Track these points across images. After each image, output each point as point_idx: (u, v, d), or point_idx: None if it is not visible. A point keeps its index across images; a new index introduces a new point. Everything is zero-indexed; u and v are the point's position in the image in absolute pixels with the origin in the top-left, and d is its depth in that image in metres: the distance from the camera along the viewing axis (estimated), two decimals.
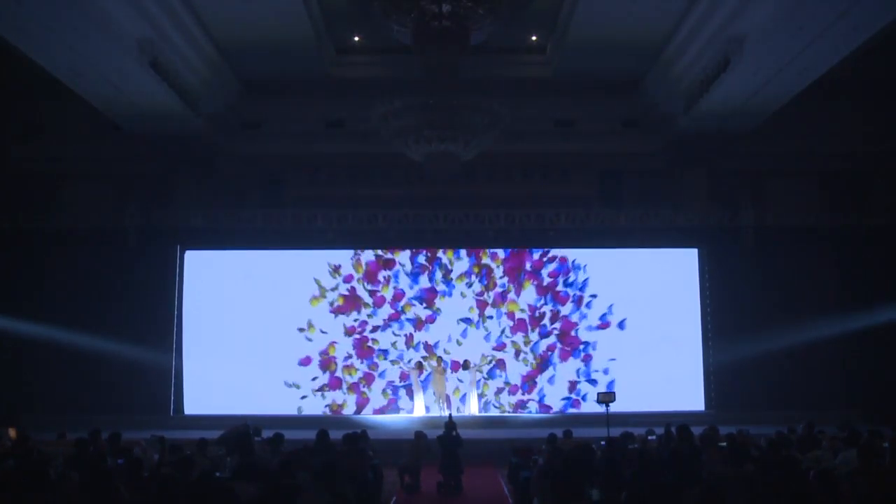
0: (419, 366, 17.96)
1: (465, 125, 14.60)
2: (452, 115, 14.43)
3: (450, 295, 18.95)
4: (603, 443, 11.19)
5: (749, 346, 17.40)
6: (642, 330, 18.49)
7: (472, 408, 17.78)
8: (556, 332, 18.80)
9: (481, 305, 18.86)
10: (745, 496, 6.58)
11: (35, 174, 19.83)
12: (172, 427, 16.29)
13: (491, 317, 18.83)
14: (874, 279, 18.04)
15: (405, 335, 18.75)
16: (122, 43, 13.96)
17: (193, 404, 18.28)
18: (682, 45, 16.09)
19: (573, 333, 18.80)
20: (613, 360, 18.60)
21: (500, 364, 18.62)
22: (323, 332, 18.69)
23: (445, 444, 12.28)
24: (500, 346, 18.71)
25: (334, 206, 18.88)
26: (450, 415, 14.03)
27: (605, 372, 18.60)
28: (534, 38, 17.85)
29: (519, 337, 18.79)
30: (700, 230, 18.72)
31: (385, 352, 18.69)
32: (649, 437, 11.99)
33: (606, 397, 14.04)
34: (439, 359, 18.05)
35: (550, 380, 18.65)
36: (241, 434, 11.20)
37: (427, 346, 18.65)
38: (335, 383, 18.61)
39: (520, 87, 18.47)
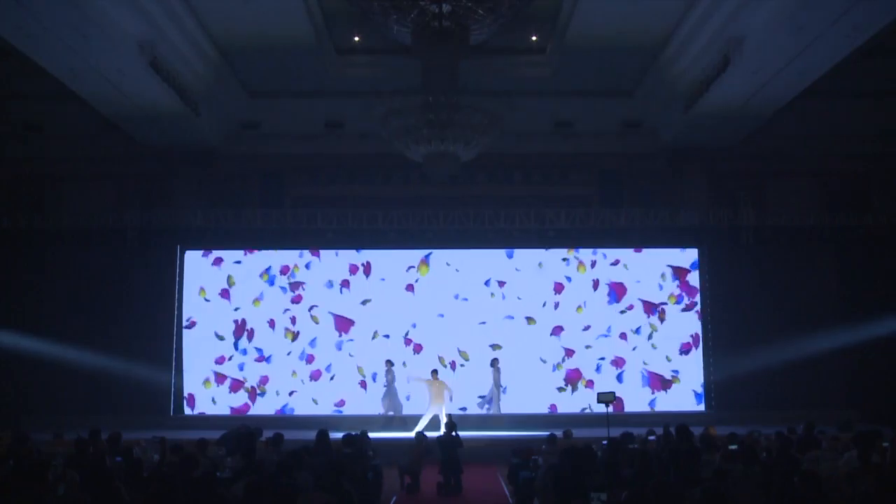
0: (389, 364, 17.20)
1: (464, 125, 14.58)
2: (452, 115, 14.41)
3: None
4: (605, 443, 11.19)
5: (749, 347, 17.38)
6: (641, 330, 18.56)
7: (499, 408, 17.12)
8: None
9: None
10: (749, 496, 6.57)
11: (35, 174, 19.83)
12: (172, 427, 16.29)
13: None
14: (874, 279, 18.03)
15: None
16: (122, 43, 13.96)
17: (193, 404, 18.25)
18: (682, 45, 16.07)
19: None
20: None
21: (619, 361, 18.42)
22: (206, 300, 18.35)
23: (445, 445, 12.29)
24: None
25: (334, 206, 18.86)
26: (449, 415, 14.02)
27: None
28: (534, 38, 17.81)
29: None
30: (700, 230, 18.70)
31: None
32: (649, 437, 11.98)
33: (606, 397, 14.03)
34: (434, 371, 16.68)
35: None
36: (243, 434, 11.22)
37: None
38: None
39: (520, 87, 18.45)
